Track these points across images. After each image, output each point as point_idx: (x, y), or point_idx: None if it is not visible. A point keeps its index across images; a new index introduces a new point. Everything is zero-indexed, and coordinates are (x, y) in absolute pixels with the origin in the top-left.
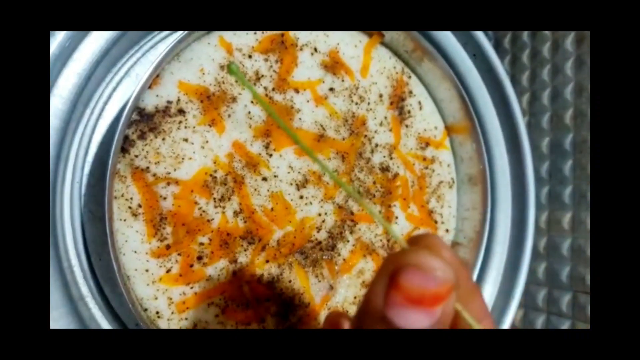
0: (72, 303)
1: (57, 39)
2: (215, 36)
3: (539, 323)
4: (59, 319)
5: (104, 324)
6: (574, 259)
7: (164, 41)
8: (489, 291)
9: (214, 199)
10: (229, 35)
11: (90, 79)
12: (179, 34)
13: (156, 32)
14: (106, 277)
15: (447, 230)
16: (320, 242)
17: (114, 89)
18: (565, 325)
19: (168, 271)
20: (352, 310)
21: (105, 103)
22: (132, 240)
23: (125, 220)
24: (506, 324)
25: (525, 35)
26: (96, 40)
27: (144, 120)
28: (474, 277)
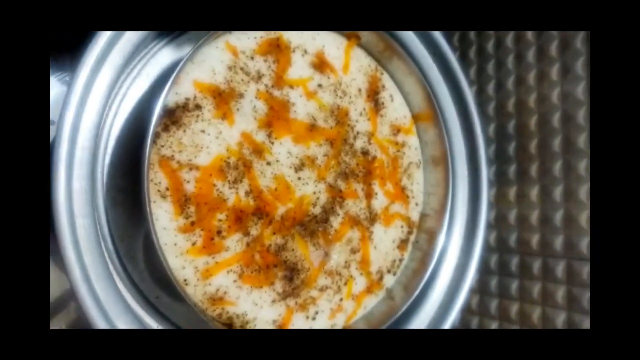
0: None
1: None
2: (222, 41)
3: (493, 284)
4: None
5: (128, 297)
6: (520, 227)
7: (170, 44)
8: (453, 253)
9: (229, 181)
10: (233, 40)
11: (106, 80)
12: (198, 40)
13: (164, 36)
14: (129, 255)
15: (416, 204)
16: (315, 216)
17: (129, 88)
18: (515, 284)
19: (193, 244)
20: (344, 273)
21: (121, 101)
22: (162, 219)
23: (155, 202)
24: (467, 281)
25: (472, 35)
26: (109, 44)
27: (166, 115)
28: (440, 243)
